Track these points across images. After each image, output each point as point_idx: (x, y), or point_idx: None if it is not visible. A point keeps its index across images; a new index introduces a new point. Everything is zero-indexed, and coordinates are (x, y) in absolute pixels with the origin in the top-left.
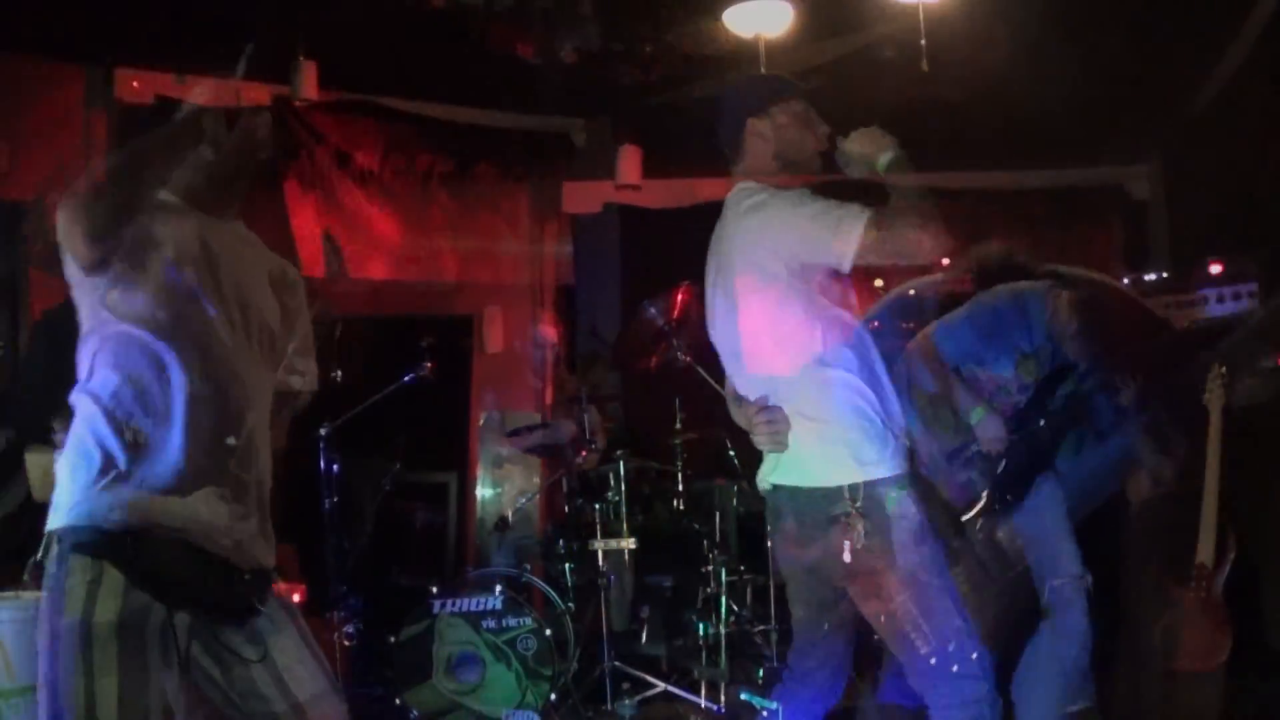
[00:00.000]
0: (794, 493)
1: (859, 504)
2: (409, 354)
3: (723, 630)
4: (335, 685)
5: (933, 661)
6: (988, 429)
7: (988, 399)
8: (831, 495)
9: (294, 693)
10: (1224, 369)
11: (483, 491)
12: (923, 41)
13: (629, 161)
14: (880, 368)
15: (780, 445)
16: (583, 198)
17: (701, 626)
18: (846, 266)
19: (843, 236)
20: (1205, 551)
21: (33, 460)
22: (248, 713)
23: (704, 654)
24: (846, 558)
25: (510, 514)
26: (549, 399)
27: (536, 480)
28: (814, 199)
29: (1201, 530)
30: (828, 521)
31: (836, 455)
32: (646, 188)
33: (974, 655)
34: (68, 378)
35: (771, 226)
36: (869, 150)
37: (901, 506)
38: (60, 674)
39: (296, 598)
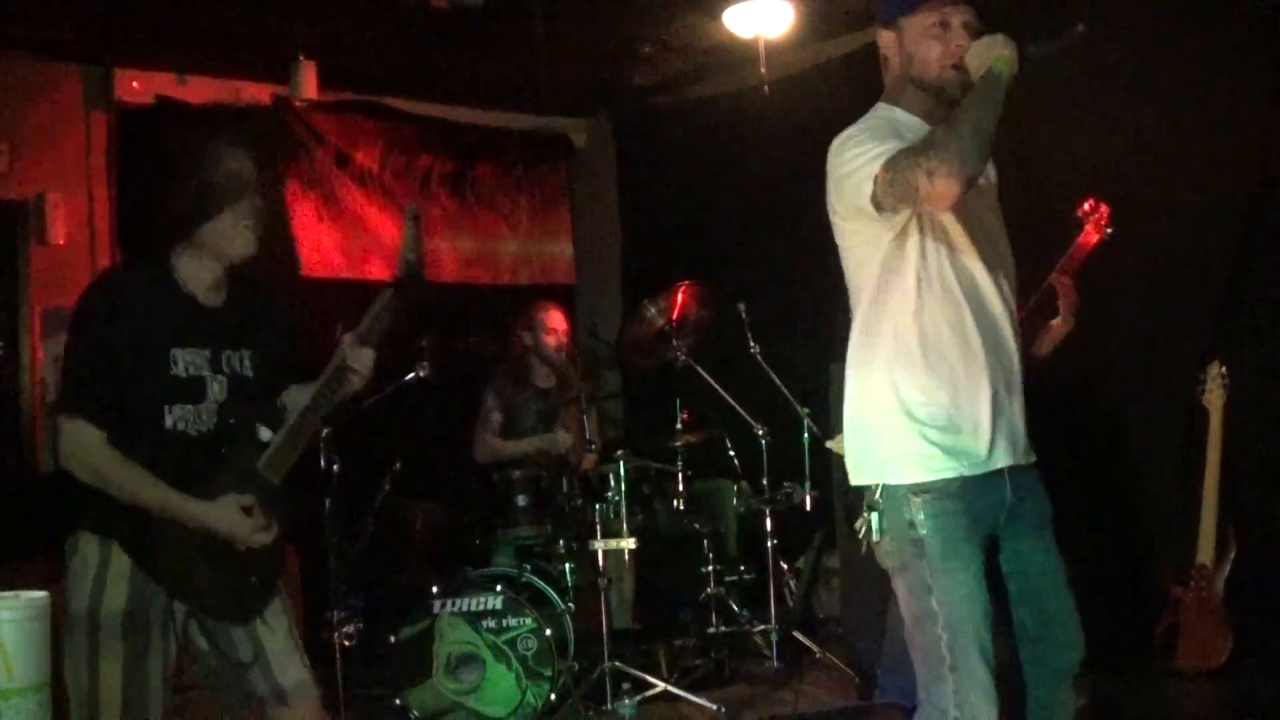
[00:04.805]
0: None
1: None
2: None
3: (723, 630)
4: (313, 674)
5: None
6: None
7: None
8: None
9: (278, 678)
10: (1224, 368)
11: None
12: (763, 70)
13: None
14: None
15: None
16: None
17: (701, 626)
18: (877, 213)
19: (862, 184)
20: (1205, 551)
21: (72, 427)
22: (232, 688)
23: (704, 654)
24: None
25: None
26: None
27: None
28: (861, 140)
29: (1201, 530)
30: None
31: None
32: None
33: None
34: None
35: (828, 180)
36: (975, 63)
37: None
38: (66, 656)
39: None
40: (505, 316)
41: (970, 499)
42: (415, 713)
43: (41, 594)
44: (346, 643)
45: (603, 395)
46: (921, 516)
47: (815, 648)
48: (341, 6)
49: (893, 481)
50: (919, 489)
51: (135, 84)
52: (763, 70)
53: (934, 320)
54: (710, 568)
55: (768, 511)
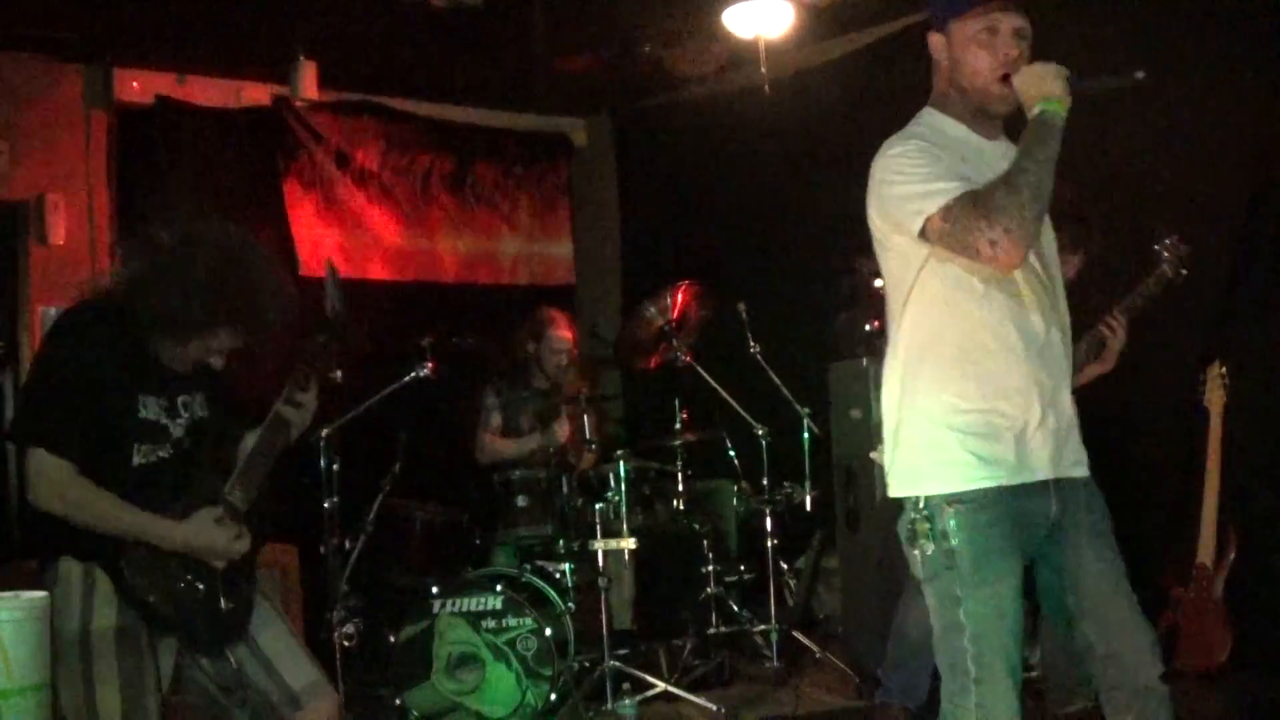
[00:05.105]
0: None
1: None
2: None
3: (723, 630)
4: (325, 674)
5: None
6: None
7: None
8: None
9: (288, 682)
10: (1224, 369)
11: None
12: (763, 70)
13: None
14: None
15: None
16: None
17: (701, 626)
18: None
19: (911, 218)
20: (1205, 551)
21: (41, 457)
22: (243, 702)
23: (704, 654)
24: None
25: None
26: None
27: None
28: (914, 160)
29: (1201, 530)
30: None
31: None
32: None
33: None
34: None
35: (871, 182)
36: (1025, 92)
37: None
38: (61, 682)
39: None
40: (505, 316)
41: (1007, 511)
42: (415, 713)
43: (41, 594)
44: (346, 643)
45: (603, 395)
46: (954, 525)
47: (815, 648)
48: (341, 6)
49: (929, 492)
50: (954, 499)
51: (135, 84)
52: (763, 70)
53: (974, 325)
54: (710, 568)
55: (768, 511)
